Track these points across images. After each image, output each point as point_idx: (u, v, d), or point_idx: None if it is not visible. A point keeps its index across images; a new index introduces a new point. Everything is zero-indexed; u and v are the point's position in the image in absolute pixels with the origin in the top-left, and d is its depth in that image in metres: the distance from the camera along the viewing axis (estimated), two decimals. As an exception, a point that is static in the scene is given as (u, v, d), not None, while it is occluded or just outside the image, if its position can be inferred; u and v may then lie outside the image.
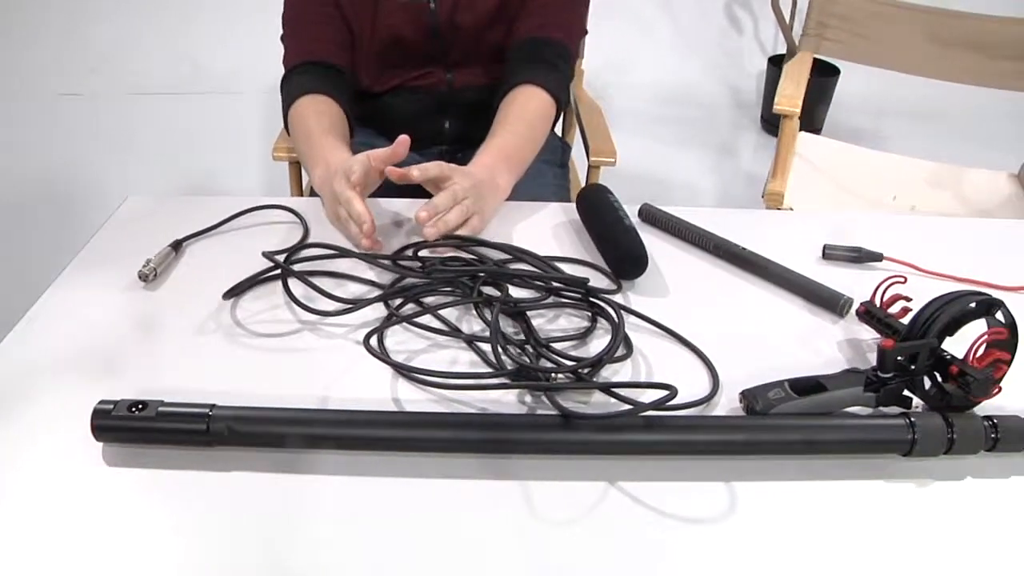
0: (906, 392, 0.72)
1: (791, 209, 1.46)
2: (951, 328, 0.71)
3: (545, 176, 1.26)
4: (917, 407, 0.73)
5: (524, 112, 1.14)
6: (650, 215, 0.97)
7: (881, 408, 0.72)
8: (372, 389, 0.74)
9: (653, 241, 0.96)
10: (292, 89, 1.17)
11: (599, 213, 0.91)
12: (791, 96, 1.40)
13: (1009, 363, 0.72)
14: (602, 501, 0.63)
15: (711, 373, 0.76)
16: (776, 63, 2.60)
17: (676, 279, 0.90)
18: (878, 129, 2.82)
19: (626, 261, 0.86)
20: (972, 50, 1.53)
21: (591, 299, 0.82)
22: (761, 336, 0.82)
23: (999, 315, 0.73)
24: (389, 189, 1.00)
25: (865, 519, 0.63)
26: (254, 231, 0.98)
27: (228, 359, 0.77)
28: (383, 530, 0.61)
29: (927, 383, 0.73)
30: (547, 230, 0.99)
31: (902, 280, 0.82)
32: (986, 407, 0.74)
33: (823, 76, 2.56)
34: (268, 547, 0.59)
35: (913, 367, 0.71)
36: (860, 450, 0.67)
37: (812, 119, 2.68)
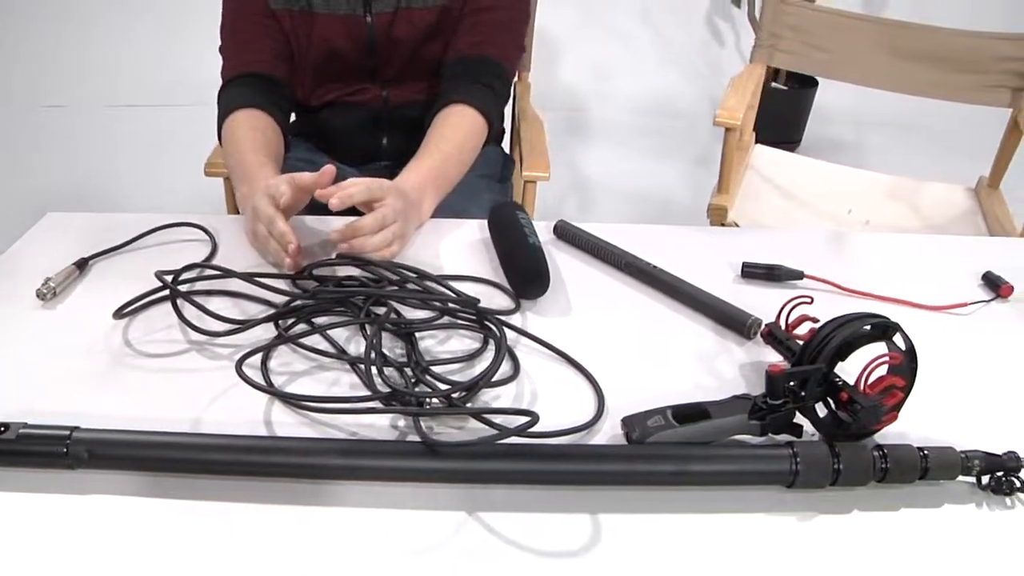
0: (801, 419, 0.69)
1: (735, 224, 1.43)
2: (844, 352, 0.68)
3: (479, 191, 1.24)
4: (814, 435, 0.70)
5: (455, 132, 1.13)
6: (564, 232, 0.94)
7: (772, 436, 0.69)
8: (248, 411, 0.71)
9: (566, 259, 0.93)
10: (227, 102, 1.16)
11: (505, 231, 0.89)
12: (732, 109, 1.37)
13: (906, 389, 0.69)
14: (458, 532, 0.60)
15: (598, 398, 0.73)
16: (754, 75, 2.57)
17: (583, 298, 0.87)
18: (859, 141, 2.78)
19: (526, 280, 0.84)
20: (928, 63, 1.49)
21: (484, 320, 0.79)
22: (663, 359, 0.79)
23: (897, 339, 0.70)
24: (316, 208, 0.98)
25: (743, 555, 0.60)
26: (165, 249, 0.96)
27: (112, 380, 0.75)
28: (239, 556, 0.58)
29: (824, 410, 0.70)
30: (462, 248, 0.96)
31: (808, 300, 0.79)
32: (887, 435, 0.71)
33: (801, 88, 2.53)
34: (122, 572, 0.57)
35: (804, 393, 0.68)
36: (738, 482, 0.64)
37: (791, 131, 2.65)
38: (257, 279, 0.83)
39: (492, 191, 1.27)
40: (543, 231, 0.97)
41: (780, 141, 2.66)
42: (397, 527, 0.61)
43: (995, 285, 0.93)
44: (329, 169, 0.90)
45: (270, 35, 1.20)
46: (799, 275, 0.91)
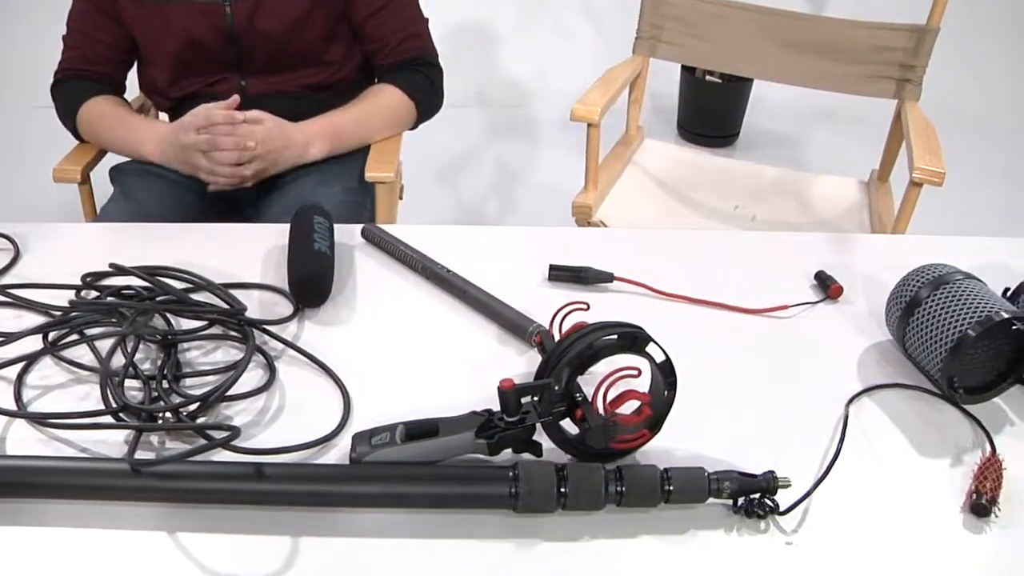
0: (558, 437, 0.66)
1: (602, 224, 1.39)
2: (584, 365, 0.64)
3: (333, 193, 1.20)
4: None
5: (363, 101, 1.26)
6: (371, 236, 0.91)
7: (517, 455, 0.65)
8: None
9: (371, 265, 0.89)
10: (78, 92, 1.24)
11: (297, 236, 0.85)
12: (591, 104, 1.32)
13: (657, 405, 0.66)
14: (154, 553, 0.58)
15: (344, 412, 0.70)
16: (689, 69, 2.52)
17: (373, 306, 0.84)
18: (799, 134, 2.72)
19: (301, 287, 0.80)
20: (812, 53, 1.45)
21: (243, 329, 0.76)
22: (437, 369, 0.76)
23: (651, 350, 0.66)
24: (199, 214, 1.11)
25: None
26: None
27: None
28: None
29: (574, 428, 0.66)
30: (266, 253, 0.91)
31: (584, 307, 0.76)
32: (648, 454, 0.67)
33: (737, 82, 2.47)
34: None
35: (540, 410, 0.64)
36: (454, 505, 0.60)
37: (726, 126, 2.59)
38: (10, 292, 0.80)
39: (350, 192, 1.23)
40: (354, 236, 0.94)
41: (716, 136, 2.61)
42: (94, 547, 0.59)
43: (826, 285, 0.89)
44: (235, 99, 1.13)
45: (108, 32, 1.24)
46: (609, 277, 0.87)
